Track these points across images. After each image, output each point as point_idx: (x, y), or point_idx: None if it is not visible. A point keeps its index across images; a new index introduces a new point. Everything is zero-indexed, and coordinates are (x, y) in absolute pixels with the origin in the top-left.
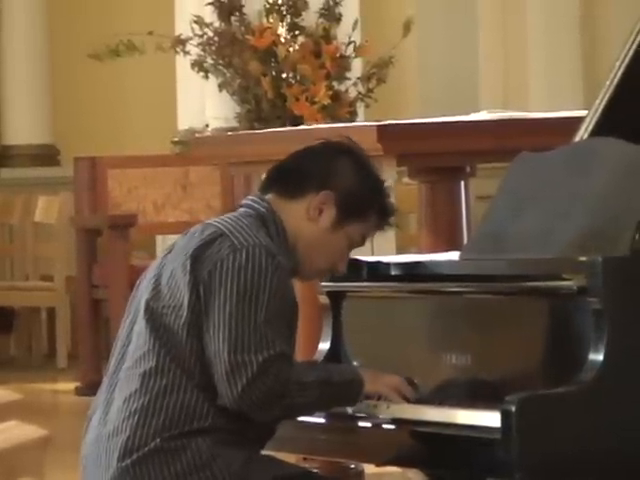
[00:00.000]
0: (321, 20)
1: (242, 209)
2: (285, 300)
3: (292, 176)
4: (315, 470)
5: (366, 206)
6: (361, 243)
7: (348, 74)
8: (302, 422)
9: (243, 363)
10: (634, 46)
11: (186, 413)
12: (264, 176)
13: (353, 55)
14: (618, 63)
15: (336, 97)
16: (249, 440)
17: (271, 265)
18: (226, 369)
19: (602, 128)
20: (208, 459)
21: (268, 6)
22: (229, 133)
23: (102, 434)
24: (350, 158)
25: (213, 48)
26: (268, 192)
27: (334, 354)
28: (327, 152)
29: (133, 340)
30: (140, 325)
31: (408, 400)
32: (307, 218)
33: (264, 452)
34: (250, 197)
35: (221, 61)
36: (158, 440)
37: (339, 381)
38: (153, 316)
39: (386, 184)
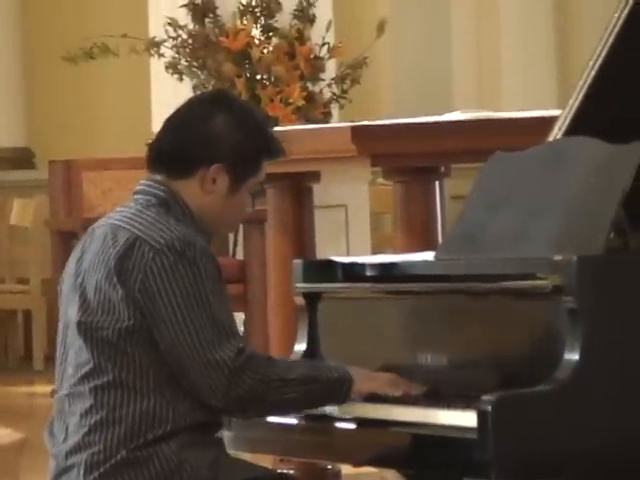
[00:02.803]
0: (295, 22)
1: (140, 197)
2: (219, 280)
3: (175, 157)
4: (288, 471)
5: (256, 160)
6: (262, 185)
7: (322, 75)
8: (277, 423)
9: (216, 362)
10: (607, 45)
11: (146, 421)
12: (147, 156)
13: (327, 56)
14: (591, 63)
15: (310, 98)
16: (213, 437)
17: (196, 254)
18: (202, 372)
19: (576, 127)
20: (176, 466)
21: (242, 8)
22: None
23: (62, 450)
24: (226, 116)
25: (187, 50)
26: (156, 173)
27: (310, 355)
28: (201, 118)
29: (71, 355)
30: (77, 342)
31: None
32: (204, 193)
33: (233, 453)
34: (144, 182)
35: (195, 63)
36: (124, 452)
37: (326, 379)
38: (89, 333)
39: (265, 119)
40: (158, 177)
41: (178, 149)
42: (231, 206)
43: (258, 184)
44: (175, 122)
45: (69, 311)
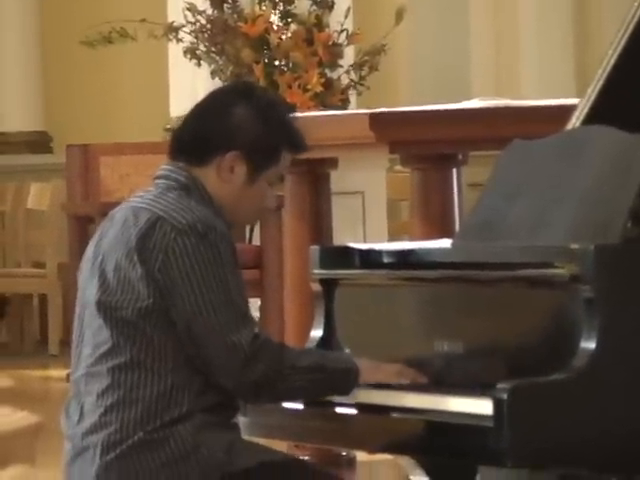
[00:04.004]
0: (313, 8)
1: (161, 181)
2: (237, 264)
3: (194, 143)
4: (304, 457)
5: (275, 152)
6: (282, 178)
7: (340, 62)
8: (293, 409)
9: (233, 344)
10: (627, 34)
11: (162, 402)
12: (169, 144)
13: (345, 43)
14: (610, 51)
15: (328, 85)
16: (228, 421)
17: (216, 237)
18: (218, 353)
19: (594, 116)
20: (192, 447)
21: None
22: None
23: (78, 431)
24: (246, 106)
25: (206, 35)
26: (177, 160)
27: (326, 342)
28: (222, 107)
29: (88, 336)
30: (95, 322)
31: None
32: (221, 180)
33: (248, 439)
34: (165, 167)
35: (213, 48)
36: (141, 433)
37: (333, 369)
38: (108, 312)
39: (290, 113)
40: (180, 164)
41: (197, 136)
42: (248, 196)
43: (278, 176)
44: (197, 111)
45: (87, 293)
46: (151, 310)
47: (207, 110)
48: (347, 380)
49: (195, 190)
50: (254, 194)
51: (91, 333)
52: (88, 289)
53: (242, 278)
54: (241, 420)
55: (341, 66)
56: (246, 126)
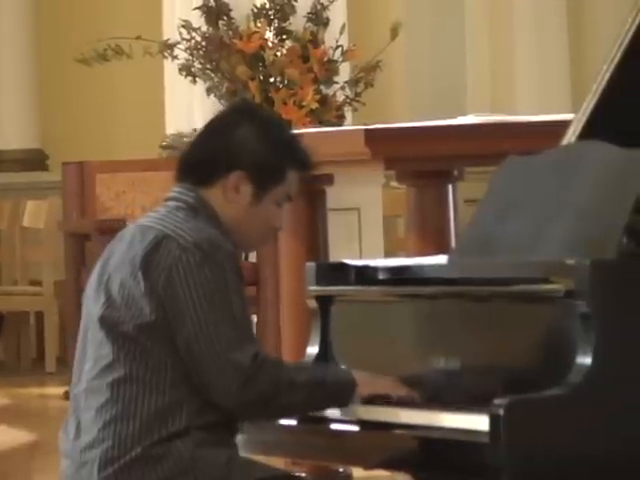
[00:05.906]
0: (308, 24)
1: (171, 202)
2: (242, 284)
3: (199, 165)
4: (300, 474)
5: (280, 170)
6: (291, 198)
7: (336, 78)
8: (288, 426)
9: (233, 363)
10: (621, 49)
11: (161, 417)
12: (176, 167)
13: (341, 59)
14: (605, 66)
15: (324, 101)
16: (226, 437)
17: (222, 256)
18: (219, 371)
19: (590, 131)
20: (190, 463)
21: (256, 10)
22: None
23: (76, 447)
24: (249, 126)
25: (201, 52)
26: (184, 182)
27: (322, 358)
28: (224, 129)
29: (90, 352)
30: (98, 337)
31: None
32: (227, 201)
33: (245, 455)
34: (175, 189)
35: (209, 65)
36: (139, 449)
37: (332, 382)
38: (111, 327)
39: (293, 132)
40: (188, 185)
41: (201, 157)
42: (255, 216)
43: (287, 197)
44: (202, 133)
45: (92, 310)
46: (152, 326)
47: (211, 131)
48: (344, 393)
49: (203, 211)
50: (261, 214)
51: (93, 348)
52: (93, 306)
53: (245, 298)
54: (239, 437)
55: (336, 82)
56: (249, 146)
